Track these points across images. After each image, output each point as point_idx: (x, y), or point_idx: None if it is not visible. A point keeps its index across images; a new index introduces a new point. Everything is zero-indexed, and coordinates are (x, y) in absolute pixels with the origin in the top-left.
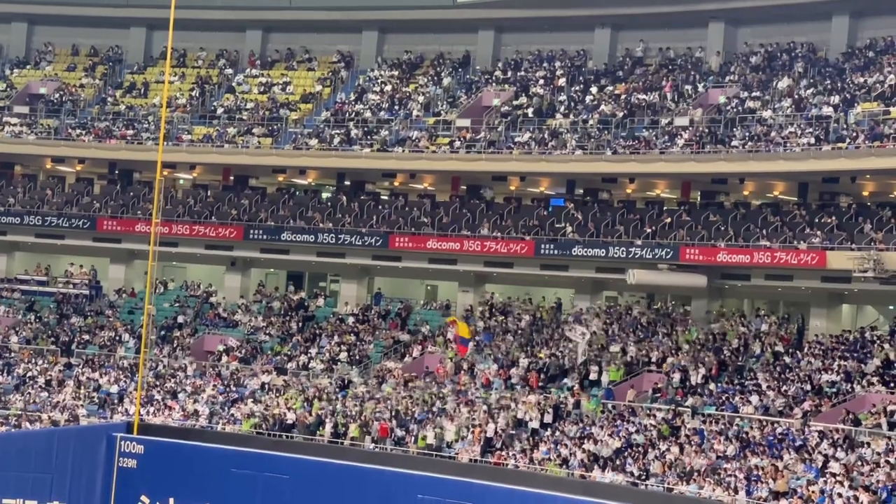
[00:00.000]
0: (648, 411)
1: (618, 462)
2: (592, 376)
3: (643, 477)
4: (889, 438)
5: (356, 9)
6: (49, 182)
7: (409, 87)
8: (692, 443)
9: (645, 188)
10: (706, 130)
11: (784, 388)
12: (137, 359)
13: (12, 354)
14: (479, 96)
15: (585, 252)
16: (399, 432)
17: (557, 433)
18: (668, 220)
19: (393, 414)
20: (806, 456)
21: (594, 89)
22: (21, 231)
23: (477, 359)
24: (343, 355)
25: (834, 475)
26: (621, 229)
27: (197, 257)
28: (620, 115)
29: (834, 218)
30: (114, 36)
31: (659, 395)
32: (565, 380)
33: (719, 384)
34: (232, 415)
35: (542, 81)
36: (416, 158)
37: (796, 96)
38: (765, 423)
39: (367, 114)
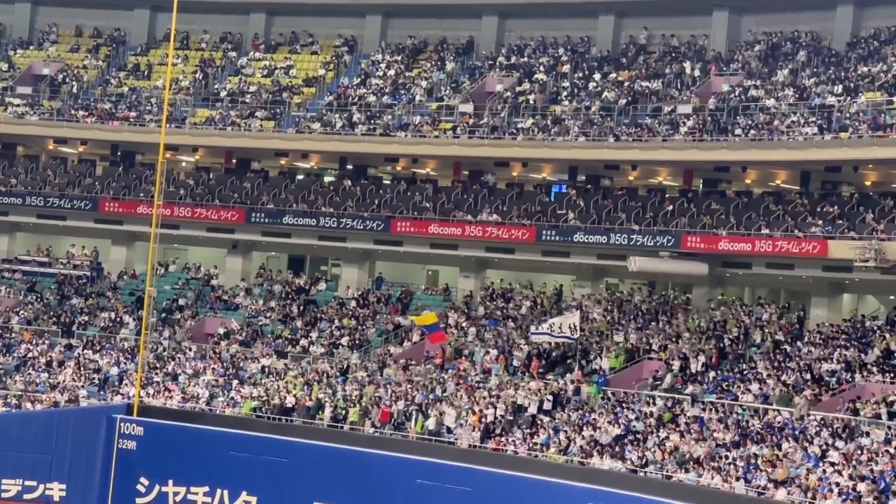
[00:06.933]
0: (648, 399)
1: (616, 449)
2: (593, 364)
3: (644, 464)
4: (889, 428)
5: None
6: (51, 163)
7: (413, 71)
8: (692, 430)
9: (647, 175)
10: (709, 118)
11: (784, 376)
12: (138, 340)
13: (13, 335)
14: (482, 82)
15: (587, 239)
16: (399, 417)
17: (557, 420)
18: (670, 207)
19: (394, 399)
20: (805, 444)
21: (597, 76)
22: (23, 212)
23: (477, 345)
24: (344, 339)
25: (833, 464)
26: (623, 216)
27: (198, 240)
28: (623, 102)
29: (836, 207)
30: (117, 17)
31: (659, 382)
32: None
33: (719, 372)
34: (231, 398)
35: (545, 68)
36: (418, 143)
37: (799, 85)
38: (764, 412)
39: (370, 98)
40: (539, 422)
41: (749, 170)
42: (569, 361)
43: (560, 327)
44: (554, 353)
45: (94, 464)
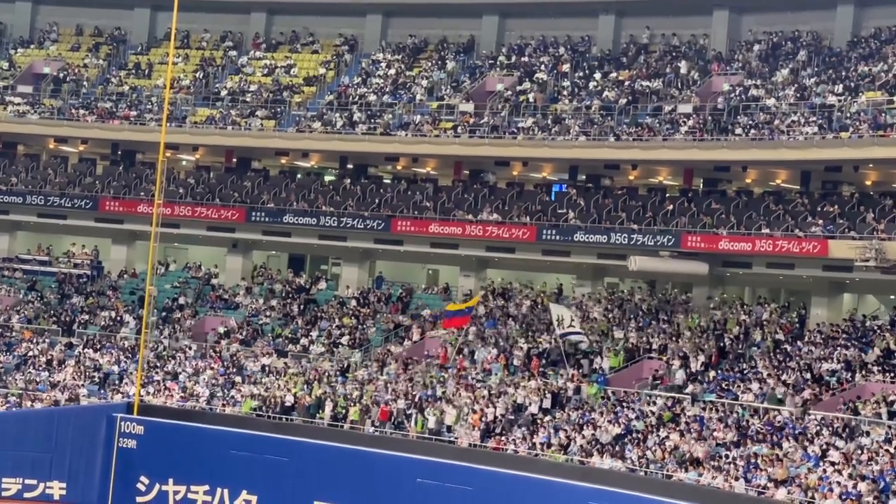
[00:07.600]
0: (648, 398)
1: (617, 448)
2: (594, 364)
3: (644, 464)
4: (889, 427)
5: None
6: (52, 162)
7: (413, 71)
8: (692, 430)
9: (647, 175)
10: (709, 118)
11: (784, 376)
12: (138, 339)
13: (13, 334)
14: (482, 81)
15: (587, 238)
16: (399, 415)
17: (557, 419)
18: (670, 207)
19: (394, 397)
20: (806, 444)
21: (598, 75)
22: (23, 211)
23: (477, 344)
24: (344, 338)
25: (833, 464)
26: (623, 216)
27: (199, 239)
28: (624, 101)
29: (836, 207)
30: (118, 16)
31: (659, 382)
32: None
33: (720, 371)
34: (232, 397)
35: (545, 67)
36: (418, 142)
37: (800, 85)
38: (764, 411)
39: (371, 97)
40: (539, 421)
41: (749, 169)
42: (578, 357)
43: (567, 321)
44: (555, 353)
45: (95, 463)
